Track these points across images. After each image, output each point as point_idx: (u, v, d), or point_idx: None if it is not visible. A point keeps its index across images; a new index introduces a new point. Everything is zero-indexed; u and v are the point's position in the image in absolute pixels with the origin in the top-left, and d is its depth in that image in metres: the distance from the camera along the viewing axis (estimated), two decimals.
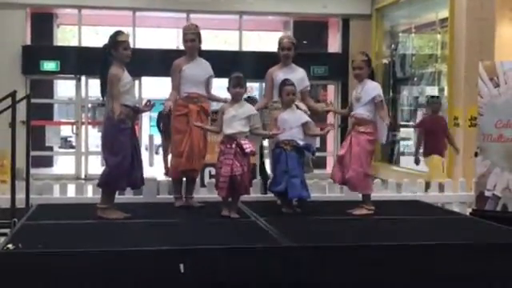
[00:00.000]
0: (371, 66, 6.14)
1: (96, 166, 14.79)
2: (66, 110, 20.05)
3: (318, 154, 8.31)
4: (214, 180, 6.13)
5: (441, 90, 13.25)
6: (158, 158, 13.41)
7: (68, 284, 4.17)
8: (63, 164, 17.63)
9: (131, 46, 5.72)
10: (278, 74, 6.38)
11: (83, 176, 15.50)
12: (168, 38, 18.58)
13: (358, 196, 6.14)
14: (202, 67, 6.32)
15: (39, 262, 4.20)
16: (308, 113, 6.26)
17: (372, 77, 6.11)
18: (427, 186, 7.76)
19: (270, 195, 6.34)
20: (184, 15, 15.57)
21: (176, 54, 7.23)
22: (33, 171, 7.78)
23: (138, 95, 13.43)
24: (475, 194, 7.57)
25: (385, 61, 16.23)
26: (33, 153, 8.41)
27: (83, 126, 16.18)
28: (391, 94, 15.69)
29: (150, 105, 5.74)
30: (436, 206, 7.11)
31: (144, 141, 15.08)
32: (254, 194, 6.68)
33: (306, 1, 16.02)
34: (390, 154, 15.65)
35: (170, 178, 6.59)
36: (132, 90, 5.72)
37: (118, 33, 5.58)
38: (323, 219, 5.81)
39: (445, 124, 9.62)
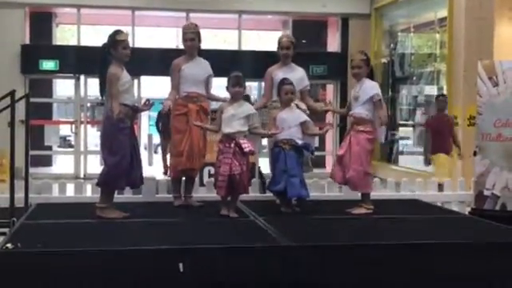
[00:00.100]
0: (370, 66, 6.13)
1: (95, 166, 14.74)
2: (65, 109, 20.03)
3: (316, 153, 8.33)
4: (212, 179, 6.12)
5: (440, 90, 13.22)
6: (157, 158, 13.39)
7: (67, 283, 4.16)
8: (62, 163, 17.58)
9: (130, 45, 5.70)
10: (278, 73, 6.37)
11: (82, 175, 15.46)
12: (167, 38, 18.57)
13: (357, 195, 6.14)
14: (202, 66, 6.31)
15: (38, 261, 4.19)
16: (307, 112, 6.26)
17: (371, 76, 6.11)
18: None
19: (269, 194, 6.33)
20: (183, 14, 15.57)
21: (175, 53, 7.23)
22: (32, 170, 7.77)
23: (137, 94, 13.42)
24: (474, 193, 7.57)
25: (384, 60, 16.21)
26: (32, 152, 8.42)
27: (82, 126, 16.14)
28: (390, 93, 15.69)
29: (149, 104, 5.73)
30: (435, 205, 7.12)
31: (143, 140, 15.05)
32: (253, 194, 6.68)
33: (306, 0, 16.01)
34: (389, 153, 15.64)
35: (169, 178, 6.59)
36: (131, 90, 5.72)
37: (117, 32, 5.58)
38: (322, 218, 5.80)
39: (451, 122, 9.31)
